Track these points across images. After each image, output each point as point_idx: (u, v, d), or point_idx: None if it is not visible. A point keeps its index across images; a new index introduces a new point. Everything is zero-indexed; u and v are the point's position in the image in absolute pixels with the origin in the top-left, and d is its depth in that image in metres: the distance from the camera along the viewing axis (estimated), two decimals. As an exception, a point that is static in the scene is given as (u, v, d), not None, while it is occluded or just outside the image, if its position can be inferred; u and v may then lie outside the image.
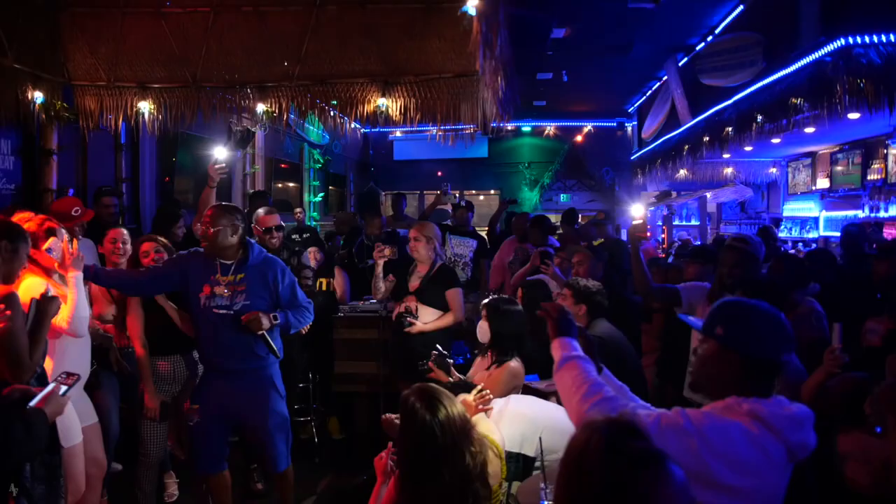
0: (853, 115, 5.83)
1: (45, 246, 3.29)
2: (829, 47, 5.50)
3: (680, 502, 1.21)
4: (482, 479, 2.06)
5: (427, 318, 4.70)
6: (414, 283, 4.84)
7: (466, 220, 7.10)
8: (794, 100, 6.03)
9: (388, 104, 5.51)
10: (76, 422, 3.35)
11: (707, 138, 8.33)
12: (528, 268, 5.65)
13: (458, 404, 2.15)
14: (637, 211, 4.41)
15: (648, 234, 4.57)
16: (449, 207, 7.81)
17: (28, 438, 2.01)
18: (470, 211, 7.15)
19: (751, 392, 1.79)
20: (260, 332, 3.61)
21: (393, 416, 3.00)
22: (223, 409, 3.73)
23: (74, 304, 3.17)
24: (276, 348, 3.74)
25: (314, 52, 5.50)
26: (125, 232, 4.50)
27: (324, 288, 6.03)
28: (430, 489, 1.99)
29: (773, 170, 11.79)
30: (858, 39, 5.35)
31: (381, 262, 5.00)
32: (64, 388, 2.23)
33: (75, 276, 3.23)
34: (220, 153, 4.89)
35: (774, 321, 1.84)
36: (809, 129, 6.80)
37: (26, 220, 3.35)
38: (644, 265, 4.25)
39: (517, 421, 2.88)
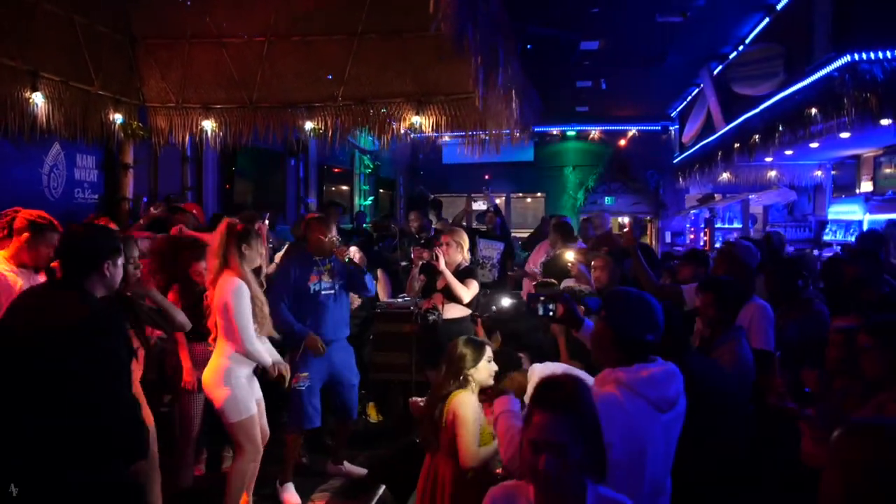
0: (885, 122, 5.98)
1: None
2: (838, 63, 5.80)
3: None
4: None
5: (451, 314, 5.25)
6: (441, 282, 5.39)
7: (495, 224, 7.61)
8: (808, 111, 6.35)
9: (422, 121, 6.13)
10: (251, 397, 3.96)
11: (737, 145, 8.62)
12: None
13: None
14: (624, 220, 4.85)
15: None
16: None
17: None
18: (498, 216, 7.66)
19: (616, 363, 2.25)
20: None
21: (419, 399, 3.60)
22: (325, 370, 4.79)
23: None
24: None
25: (355, 76, 6.18)
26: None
27: (365, 286, 6.63)
28: None
29: (819, 172, 11.78)
30: (864, 56, 5.63)
31: (418, 264, 5.57)
32: None
33: None
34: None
35: (642, 307, 2.34)
36: (814, 145, 7.13)
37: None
38: (646, 266, 4.71)
39: None
